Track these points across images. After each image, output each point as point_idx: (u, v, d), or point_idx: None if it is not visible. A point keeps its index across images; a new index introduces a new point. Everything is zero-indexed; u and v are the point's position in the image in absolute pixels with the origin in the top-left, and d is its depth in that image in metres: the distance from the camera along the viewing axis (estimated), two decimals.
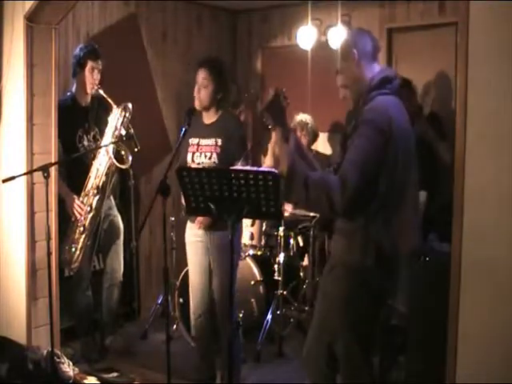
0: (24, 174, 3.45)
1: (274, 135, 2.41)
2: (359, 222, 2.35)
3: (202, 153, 3.38)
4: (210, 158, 3.34)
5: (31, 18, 3.51)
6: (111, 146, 3.76)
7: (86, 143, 3.91)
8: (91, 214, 3.81)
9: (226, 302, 2.61)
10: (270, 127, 2.41)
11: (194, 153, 3.40)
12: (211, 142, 3.36)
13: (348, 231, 2.41)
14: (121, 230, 4.10)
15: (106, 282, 4.08)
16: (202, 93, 3.36)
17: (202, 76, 3.35)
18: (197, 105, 3.39)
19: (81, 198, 3.80)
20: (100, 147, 3.81)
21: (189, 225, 3.50)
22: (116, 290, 4.09)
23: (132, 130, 3.84)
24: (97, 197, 3.81)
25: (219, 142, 3.34)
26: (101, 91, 3.84)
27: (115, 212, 4.11)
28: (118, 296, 4.11)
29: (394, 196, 2.35)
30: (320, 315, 2.55)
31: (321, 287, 2.62)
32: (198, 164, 3.35)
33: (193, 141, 3.42)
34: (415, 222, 2.48)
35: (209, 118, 3.44)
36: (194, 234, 3.45)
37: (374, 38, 2.51)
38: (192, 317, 3.57)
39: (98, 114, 3.97)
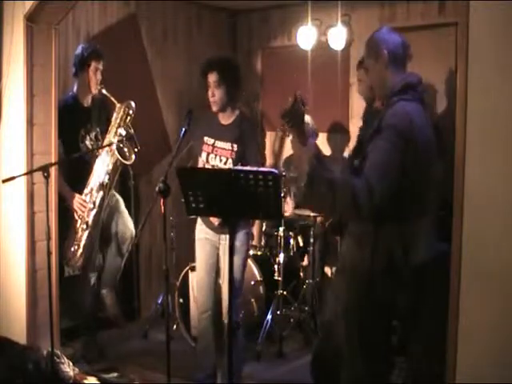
0: (24, 174, 3.45)
1: (290, 140, 2.38)
2: (373, 227, 2.32)
3: (217, 155, 3.36)
4: (225, 163, 3.33)
5: (31, 18, 3.52)
6: (114, 144, 3.76)
7: (88, 143, 3.92)
8: (94, 212, 3.81)
9: (230, 301, 2.62)
10: (287, 133, 2.39)
11: (208, 153, 3.39)
12: (227, 146, 3.34)
13: (360, 235, 2.38)
14: (121, 203, 4.06)
15: (112, 247, 4.01)
16: (216, 96, 3.32)
17: (213, 79, 3.31)
18: (214, 108, 3.37)
19: (83, 196, 3.80)
20: (103, 147, 3.82)
21: (199, 221, 3.50)
22: (125, 250, 4.03)
23: (132, 130, 3.84)
24: (100, 194, 3.81)
25: (235, 147, 3.32)
26: (104, 91, 3.85)
27: (115, 194, 4.08)
28: (127, 254, 4.05)
29: (412, 205, 2.33)
30: (330, 316, 2.55)
31: (330, 289, 2.61)
32: (213, 166, 3.34)
33: (208, 140, 3.40)
34: (432, 235, 2.44)
35: (225, 118, 3.41)
36: (205, 232, 3.45)
37: (406, 43, 2.45)
38: (197, 314, 3.57)
39: (99, 114, 3.97)
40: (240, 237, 3.33)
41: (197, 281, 3.57)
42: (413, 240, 2.35)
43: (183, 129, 3.14)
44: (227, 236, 3.27)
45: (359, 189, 2.19)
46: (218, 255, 3.44)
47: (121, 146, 3.81)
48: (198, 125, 3.43)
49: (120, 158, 3.77)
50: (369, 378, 2.46)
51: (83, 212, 3.78)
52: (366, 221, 2.33)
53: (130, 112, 3.84)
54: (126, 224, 4.06)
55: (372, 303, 2.37)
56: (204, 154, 3.40)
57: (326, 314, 2.62)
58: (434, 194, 2.44)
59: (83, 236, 3.81)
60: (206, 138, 3.40)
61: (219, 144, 3.37)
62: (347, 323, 2.43)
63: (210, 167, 3.34)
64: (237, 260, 3.21)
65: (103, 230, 3.98)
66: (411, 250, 2.34)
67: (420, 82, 2.43)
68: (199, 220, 3.51)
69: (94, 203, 3.80)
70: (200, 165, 3.51)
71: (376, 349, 2.46)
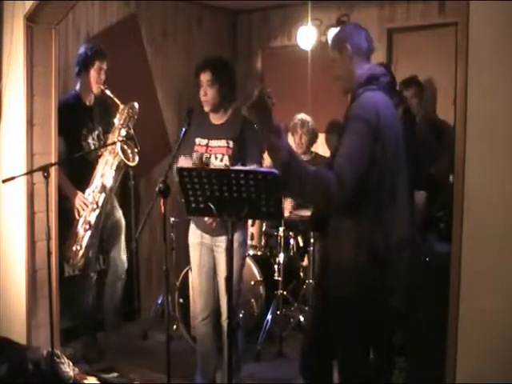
0: (24, 174, 3.45)
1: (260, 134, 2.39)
2: (351, 220, 2.36)
3: (211, 154, 3.33)
4: (221, 160, 3.29)
5: (31, 18, 3.52)
6: (118, 144, 3.76)
7: (90, 142, 3.91)
8: (96, 212, 3.81)
9: (230, 302, 2.61)
10: (256, 127, 2.39)
11: (202, 153, 3.36)
12: (222, 143, 3.31)
13: (340, 230, 2.41)
14: (123, 226, 4.10)
15: (110, 278, 4.07)
16: (208, 95, 3.29)
17: (205, 78, 3.28)
18: (206, 108, 3.34)
19: (85, 196, 3.80)
20: (106, 146, 3.82)
21: (192, 226, 3.46)
22: (119, 285, 4.08)
23: (132, 131, 3.84)
24: (102, 195, 3.81)
25: (231, 143, 3.29)
26: (107, 91, 3.85)
27: (118, 208, 4.11)
28: (120, 292, 4.10)
29: (385, 192, 2.36)
30: (319, 316, 2.55)
31: (315, 286, 2.62)
32: (207, 165, 3.31)
33: (200, 141, 3.36)
34: (408, 219, 2.46)
35: (218, 118, 3.37)
36: (199, 236, 3.41)
37: (369, 37, 2.52)
38: (195, 320, 3.54)
39: (102, 113, 3.97)
40: (237, 237, 3.31)
41: (193, 286, 3.51)
42: (391, 226, 2.37)
43: (183, 129, 3.14)
44: (224, 238, 3.27)
45: (329, 179, 2.22)
46: (214, 258, 3.41)
47: (125, 147, 3.81)
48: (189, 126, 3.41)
49: (124, 159, 3.78)
50: (366, 375, 2.46)
51: (84, 210, 3.78)
52: (342, 214, 2.36)
53: (134, 113, 3.84)
54: (121, 257, 4.07)
55: (361, 296, 2.39)
56: (196, 155, 3.36)
57: (314, 312, 2.63)
58: (405, 181, 2.46)
59: (85, 236, 3.81)
60: (197, 140, 3.36)
61: (213, 143, 3.33)
62: (339, 321, 2.43)
63: (205, 166, 3.32)
64: (235, 261, 3.20)
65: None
66: (390, 238, 2.36)
67: (384, 74, 2.48)
68: (192, 225, 3.46)
69: (97, 203, 3.80)
70: (185, 163, 3.43)
71: (372, 345, 2.47)
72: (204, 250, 3.40)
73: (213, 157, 3.32)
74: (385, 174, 2.34)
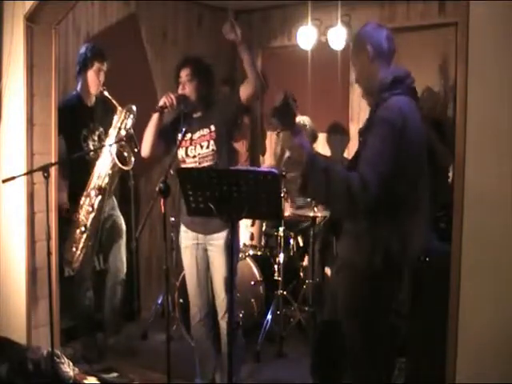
0: (24, 174, 3.45)
1: (280, 138, 2.41)
2: (368, 223, 2.33)
3: (196, 145, 3.33)
4: (207, 147, 3.30)
5: (31, 18, 3.52)
6: (114, 148, 3.76)
7: (90, 143, 3.91)
8: (93, 215, 3.81)
9: (228, 300, 2.61)
10: (278, 131, 2.41)
11: (187, 147, 3.37)
12: (205, 131, 3.32)
13: (356, 232, 2.39)
14: (123, 230, 4.11)
15: (109, 282, 4.08)
16: (186, 89, 3.31)
17: (185, 73, 3.32)
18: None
19: (82, 198, 3.80)
20: (103, 146, 3.82)
21: (183, 228, 3.44)
22: (119, 289, 4.09)
23: (132, 131, 3.84)
24: (99, 197, 3.81)
25: (212, 127, 3.30)
26: (106, 93, 3.84)
27: (118, 212, 4.11)
28: (121, 295, 4.12)
29: (406, 198, 2.33)
30: (330, 316, 2.55)
31: (329, 289, 2.61)
32: (194, 157, 3.33)
33: (185, 137, 3.36)
34: (424, 226, 2.45)
35: (195, 112, 3.40)
36: (191, 238, 3.41)
37: (390, 37, 2.45)
38: (193, 322, 3.54)
39: (102, 114, 3.97)
40: (226, 234, 3.31)
41: (190, 288, 3.50)
42: (408, 234, 2.35)
43: (183, 129, 3.14)
44: (218, 235, 3.28)
45: (354, 181, 2.20)
46: (207, 257, 3.42)
47: (121, 150, 3.81)
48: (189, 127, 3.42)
49: (118, 163, 3.77)
50: (375, 378, 2.46)
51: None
52: (361, 218, 2.33)
53: (132, 116, 3.84)
54: (120, 260, 4.08)
55: (374, 301, 2.38)
56: (182, 150, 3.36)
57: (326, 314, 2.62)
58: (426, 188, 2.44)
59: (82, 238, 3.81)
60: (179, 136, 3.38)
61: (196, 135, 3.34)
62: (350, 323, 2.43)
63: (191, 159, 3.32)
64: (229, 259, 3.22)
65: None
66: (408, 245, 2.35)
67: (408, 75, 2.44)
68: (183, 227, 3.44)
69: (93, 206, 3.80)
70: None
71: (380, 347, 2.47)
72: (199, 251, 3.39)
73: (198, 146, 3.33)
74: (408, 178, 2.31)
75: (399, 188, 2.29)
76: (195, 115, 3.40)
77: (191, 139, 3.36)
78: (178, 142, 3.32)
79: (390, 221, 2.32)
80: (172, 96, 3.26)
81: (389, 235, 2.32)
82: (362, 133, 2.40)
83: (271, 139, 5.79)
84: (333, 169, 2.26)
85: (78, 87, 3.92)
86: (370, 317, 2.40)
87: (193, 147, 3.35)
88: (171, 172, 2.84)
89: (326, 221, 4.38)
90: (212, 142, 3.30)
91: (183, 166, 3.33)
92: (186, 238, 3.43)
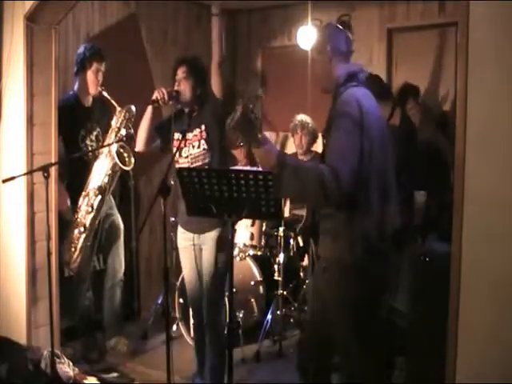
0: (24, 174, 3.45)
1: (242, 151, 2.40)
2: (345, 217, 2.37)
3: (189, 145, 3.33)
4: (198, 147, 3.31)
5: (31, 18, 3.52)
6: (114, 148, 3.76)
7: (88, 143, 3.91)
8: (92, 215, 3.81)
9: (231, 300, 2.61)
10: (241, 144, 2.40)
11: (181, 148, 3.35)
12: (196, 131, 3.33)
13: (335, 229, 2.41)
14: (121, 230, 4.11)
15: (108, 282, 4.08)
16: (182, 86, 3.32)
17: (181, 71, 3.33)
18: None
19: (81, 198, 3.80)
20: (103, 147, 3.81)
21: (181, 229, 3.45)
22: (118, 289, 4.09)
23: (132, 131, 3.84)
24: (98, 197, 3.80)
25: (203, 127, 3.31)
26: (105, 93, 3.84)
27: (116, 212, 4.11)
28: (120, 295, 4.12)
29: (374, 184, 2.36)
30: (317, 317, 2.55)
31: (314, 289, 2.63)
32: (187, 157, 3.33)
33: (179, 136, 3.34)
34: (395, 207, 2.47)
35: (192, 111, 3.39)
36: (188, 238, 3.41)
37: (349, 40, 2.58)
38: (192, 321, 3.54)
39: (100, 114, 3.97)
40: (216, 232, 3.32)
41: (189, 290, 3.51)
42: (383, 218, 2.38)
43: (184, 129, 3.14)
44: (209, 234, 3.28)
45: (325, 172, 2.23)
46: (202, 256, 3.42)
47: (121, 150, 3.80)
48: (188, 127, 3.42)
49: (119, 163, 3.77)
50: (368, 374, 2.46)
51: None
52: (337, 213, 2.37)
53: (131, 117, 3.84)
54: (119, 261, 4.08)
55: (365, 294, 2.40)
56: (174, 150, 3.37)
57: (313, 314, 2.63)
58: (393, 172, 2.48)
59: (80, 239, 3.81)
60: (176, 135, 3.37)
61: (190, 135, 3.34)
62: (344, 321, 2.43)
63: (184, 160, 3.33)
64: (225, 257, 3.23)
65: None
66: (385, 229, 2.38)
67: (361, 69, 2.53)
68: (180, 228, 3.45)
69: (92, 206, 3.80)
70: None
71: (376, 344, 2.47)
72: (196, 251, 3.40)
73: (190, 146, 3.33)
74: (373, 166, 2.35)
75: (366, 175, 2.33)
76: (193, 115, 3.40)
77: (185, 139, 3.36)
78: (177, 142, 3.33)
79: (364, 209, 2.35)
80: (164, 90, 3.28)
81: (366, 224, 2.35)
82: (328, 127, 2.44)
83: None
84: (303, 165, 2.33)
85: (76, 87, 3.92)
86: (364, 312, 2.40)
87: (186, 148, 3.35)
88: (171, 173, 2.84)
89: (301, 227, 4.41)
90: (203, 142, 3.30)
91: (177, 166, 3.33)
92: (183, 238, 3.44)
